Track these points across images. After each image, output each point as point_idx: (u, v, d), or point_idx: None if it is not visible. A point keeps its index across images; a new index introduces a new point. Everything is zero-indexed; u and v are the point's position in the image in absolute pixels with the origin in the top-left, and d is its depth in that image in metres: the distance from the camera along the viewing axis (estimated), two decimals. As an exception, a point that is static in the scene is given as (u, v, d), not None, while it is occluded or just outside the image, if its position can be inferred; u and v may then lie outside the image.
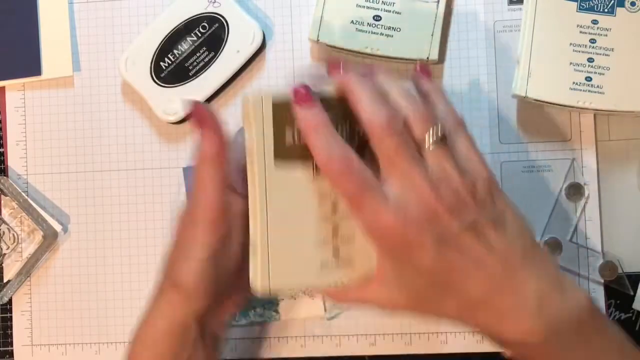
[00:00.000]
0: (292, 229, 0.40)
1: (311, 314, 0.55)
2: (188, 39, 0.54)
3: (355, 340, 0.55)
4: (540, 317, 0.38)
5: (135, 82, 0.55)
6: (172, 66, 0.55)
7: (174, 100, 0.54)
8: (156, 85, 0.55)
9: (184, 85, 0.55)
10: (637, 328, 0.54)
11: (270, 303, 0.56)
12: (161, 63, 0.55)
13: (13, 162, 0.58)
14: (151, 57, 0.55)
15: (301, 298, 0.55)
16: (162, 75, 0.55)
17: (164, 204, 0.57)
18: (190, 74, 0.55)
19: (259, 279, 0.39)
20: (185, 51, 0.54)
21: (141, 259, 0.56)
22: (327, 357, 0.55)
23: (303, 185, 0.40)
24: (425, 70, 0.43)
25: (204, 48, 0.55)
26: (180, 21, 0.55)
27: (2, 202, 0.58)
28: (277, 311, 0.56)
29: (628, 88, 0.50)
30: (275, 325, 0.56)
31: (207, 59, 0.54)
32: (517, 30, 0.53)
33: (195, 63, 0.54)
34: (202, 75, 0.55)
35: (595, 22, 0.51)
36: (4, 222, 0.58)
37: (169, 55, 0.55)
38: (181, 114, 0.54)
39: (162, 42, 0.55)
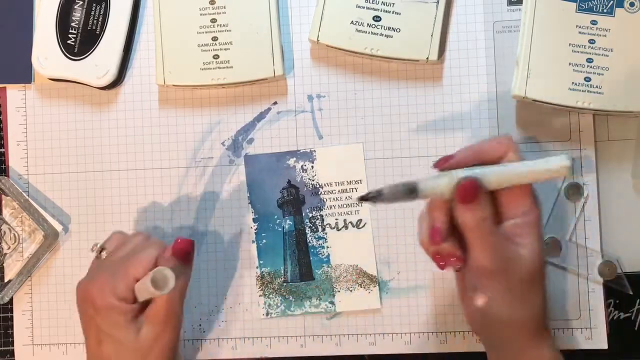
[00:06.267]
0: None
1: (366, 306, 0.55)
2: (76, 7, 0.55)
3: (355, 340, 0.55)
4: None
5: (55, 73, 0.56)
6: (79, 37, 0.55)
7: (99, 64, 0.55)
8: (76, 61, 0.55)
9: (99, 45, 0.55)
10: (636, 328, 0.54)
11: (326, 294, 0.55)
12: (68, 42, 0.55)
13: (14, 162, 0.58)
14: (56, 42, 0.55)
15: (357, 290, 0.55)
16: (76, 50, 0.55)
17: (164, 204, 0.57)
18: (97, 32, 0.55)
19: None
20: (81, 17, 0.55)
21: (142, 258, 0.56)
22: (327, 356, 0.56)
23: None
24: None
25: (94, 4, 0.55)
26: None
27: (3, 202, 0.58)
28: (332, 302, 0.55)
29: (627, 88, 0.50)
30: (274, 324, 0.56)
31: (102, 11, 0.55)
32: (517, 30, 0.53)
33: (95, 21, 0.55)
34: (108, 27, 0.55)
35: (594, 22, 0.51)
36: (4, 222, 0.58)
37: (71, 31, 0.55)
38: (113, 72, 0.55)
39: (57, 23, 0.55)
